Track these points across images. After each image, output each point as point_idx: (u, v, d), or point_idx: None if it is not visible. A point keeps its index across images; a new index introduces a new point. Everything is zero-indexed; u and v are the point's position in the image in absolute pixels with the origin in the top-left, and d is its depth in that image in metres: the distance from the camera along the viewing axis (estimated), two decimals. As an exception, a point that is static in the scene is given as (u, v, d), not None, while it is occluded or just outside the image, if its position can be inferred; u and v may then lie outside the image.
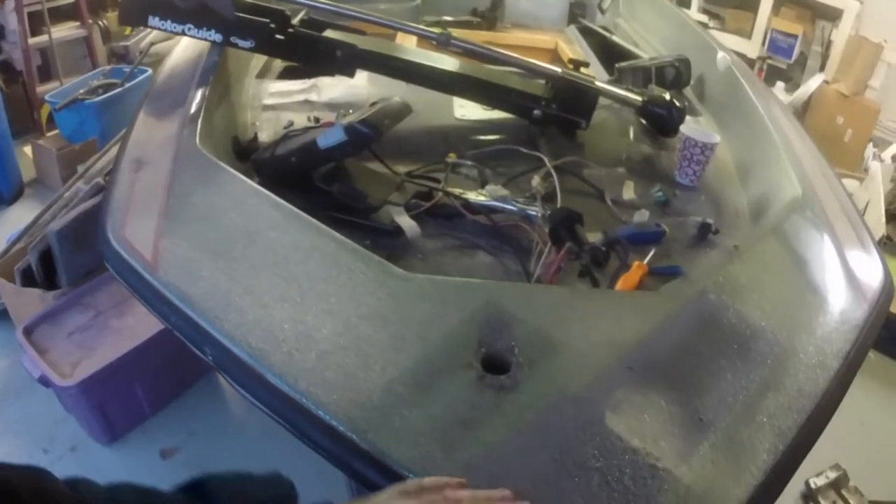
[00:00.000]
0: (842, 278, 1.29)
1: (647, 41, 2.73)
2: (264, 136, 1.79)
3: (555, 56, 2.84)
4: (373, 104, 1.66)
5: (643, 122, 2.02)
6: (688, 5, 4.51)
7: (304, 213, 1.23)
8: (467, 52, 2.01)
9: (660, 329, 1.08)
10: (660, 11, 2.78)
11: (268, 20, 1.78)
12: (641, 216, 1.58)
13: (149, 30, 2.93)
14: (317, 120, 1.88)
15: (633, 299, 1.24)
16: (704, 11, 4.64)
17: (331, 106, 1.99)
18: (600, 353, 1.02)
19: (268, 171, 1.58)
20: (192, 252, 1.16)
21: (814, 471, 2.26)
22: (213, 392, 2.43)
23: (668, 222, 1.56)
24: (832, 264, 1.32)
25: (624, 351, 1.02)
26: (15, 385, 2.38)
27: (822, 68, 4.08)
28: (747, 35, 4.36)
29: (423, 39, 2.15)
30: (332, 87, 2.08)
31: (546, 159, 1.69)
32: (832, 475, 2.26)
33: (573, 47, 2.83)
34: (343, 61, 1.88)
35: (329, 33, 1.88)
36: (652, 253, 1.44)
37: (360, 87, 2.07)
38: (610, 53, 2.62)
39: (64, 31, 4.04)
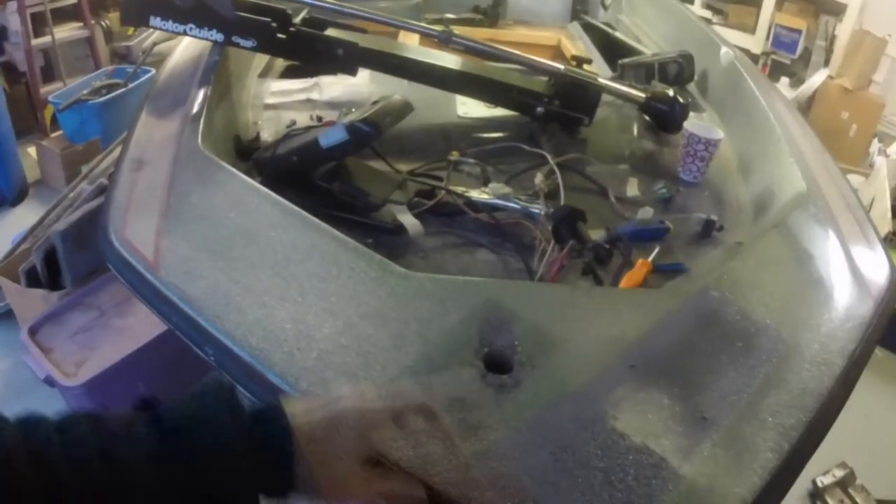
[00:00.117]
0: (847, 275, 1.27)
1: (650, 37, 2.72)
2: (266, 136, 1.78)
3: (557, 53, 2.83)
4: (374, 102, 1.65)
5: (646, 118, 2.01)
6: (691, 1, 4.50)
7: (305, 213, 1.23)
8: (469, 50, 2.01)
9: (663, 326, 1.07)
10: (662, 7, 2.77)
11: (269, 19, 1.78)
12: (645, 213, 1.57)
13: (151, 30, 2.93)
14: (319, 119, 1.87)
15: (637, 297, 1.23)
16: (707, 7, 4.63)
17: (332, 105, 1.98)
18: (603, 350, 1.01)
19: (269, 170, 1.58)
20: (193, 252, 1.16)
21: (819, 469, 2.25)
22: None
23: (672, 219, 1.55)
24: (837, 261, 1.31)
25: (627, 349, 1.01)
26: (18, 385, 2.39)
27: (826, 63, 4.06)
28: (751, 30, 4.35)
29: (425, 37, 2.15)
30: (333, 86, 2.08)
31: (549, 156, 1.69)
32: (839, 474, 2.25)
33: (576, 44, 2.82)
34: (345, 60, 1.87)
35: (331, 32, 1.87)
36: (656, 250, 1.44)
37: (361, 85, 2.07)
38: (612, 50, 2.61)
39: (66, 31, 4.05)
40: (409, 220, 1.45)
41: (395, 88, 1.85)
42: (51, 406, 2.21)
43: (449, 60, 1.93)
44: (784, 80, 4.23)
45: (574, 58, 2.20)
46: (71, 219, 2.30)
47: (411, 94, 1.76)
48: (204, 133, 1.46)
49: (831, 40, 4.04)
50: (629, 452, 0.86)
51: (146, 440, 0.64)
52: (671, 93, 1.93)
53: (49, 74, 4.01)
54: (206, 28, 1.75)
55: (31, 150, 3.66)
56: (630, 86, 2.02)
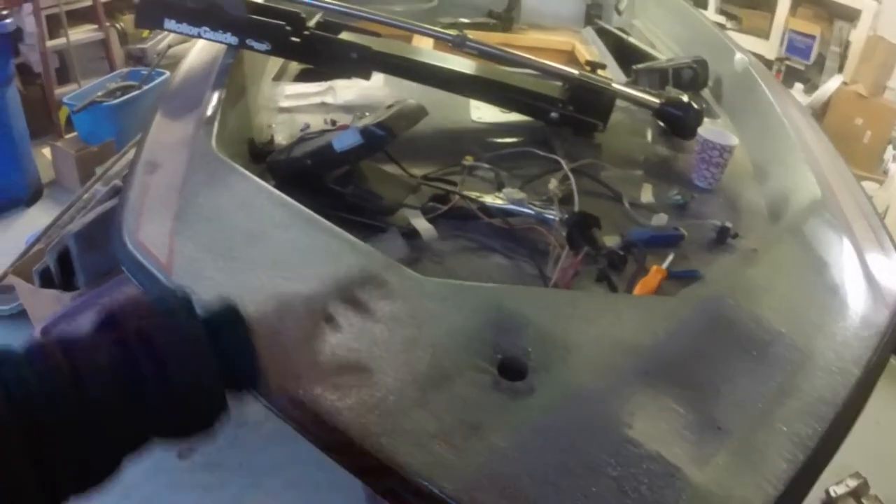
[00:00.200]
0: (862, 282, 1.27)
1: (664, 42, 2.72)
2: (280, 139, 1.79)
3: (571, 58, 2.83)
4: (388, 106, 1.65)
5: (660, 124, 2.00)
6: (704, 6, 4.48)
7: (318, 216, 1.23)
8: (483, 54, 2.01)
9: (677, 334, 1.07)
10: (676, 12, 2.76)
11: (283, 23, 1.78)
12: (660, 220, 1.56)
13: (165, 33, 2.94)
14: (333, 122, 1.88)
15: (651, 304, 1.23)
16: (721, 12, 4.61)
17: (346, 108, 1.99)
18: (617, 358, 1.01)
19: (283, 173, 1.58)
20: (205, 254, 1.16)
21: (832, 478, 2.23)
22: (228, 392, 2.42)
23: (686, 225, 1.55)
24: (852, 268, 1.30)
25: (641, 356, 1.01)
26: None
27: (840, 69, 4.04)
28: (765, 36, 4.34)
29: (439, 41, 2.15)
30: (347, 90, 2.08)
31: (563, 162, 1.68)
32: (852, 483, 2.23)
33: (590, 49, 2.82)
34: (358, 63, 1.87)
35: (344, 35, 1.88)
36: (671, 257, 1.43)
37: (376, 89, 2.07)
38: (626, 55, 2.61)
39: (81, 33, 4.07)
40: (422, 225, 1.45)
41: (410, 92, 1.85)
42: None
43: (463, 65, 1.93)
44: (798, 85, 4.21)
45: (588, 63, 2.20)
46: (85, 220, 2.31)
47: (425, 98, 1.76)
48: (218, 136, 1.46)
49: (845, 46, 4.02)
50: (643, 461, 0.85)
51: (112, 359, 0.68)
52: (685, 98, 1.93)
53: (64, 76, 4.02)
54: (221, 31, 1.76)
55: (46, 151, 3.67)
56: (644, 91, 2.01)
